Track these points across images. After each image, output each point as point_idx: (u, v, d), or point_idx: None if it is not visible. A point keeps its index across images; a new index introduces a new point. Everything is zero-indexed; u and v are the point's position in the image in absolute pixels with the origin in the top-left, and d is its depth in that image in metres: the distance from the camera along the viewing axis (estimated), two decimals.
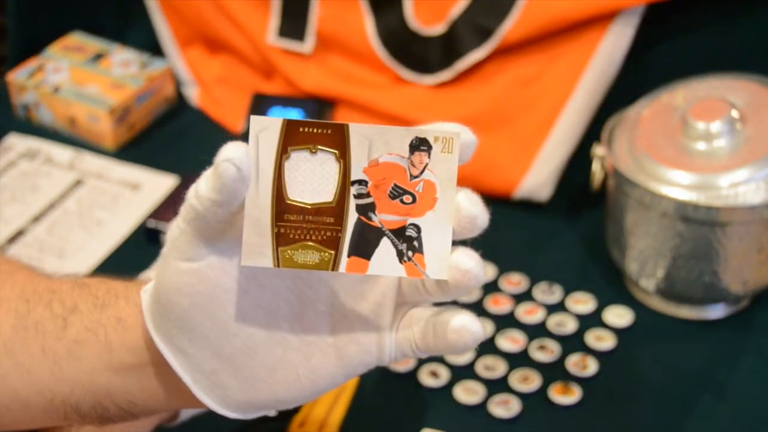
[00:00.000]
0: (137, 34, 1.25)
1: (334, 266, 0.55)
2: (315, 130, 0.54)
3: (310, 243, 0.55)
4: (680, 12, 1.04)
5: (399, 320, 0.59)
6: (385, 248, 0.55)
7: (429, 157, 0.54)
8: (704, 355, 0.91)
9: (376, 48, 1.11)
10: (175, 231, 0.58)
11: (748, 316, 0.95)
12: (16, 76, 1.19)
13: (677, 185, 0.89)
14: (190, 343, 0.58)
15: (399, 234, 0.55)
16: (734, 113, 0.90)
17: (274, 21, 1.15)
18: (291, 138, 0.54)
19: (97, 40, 1.24)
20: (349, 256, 0.55)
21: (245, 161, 0.53)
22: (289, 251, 0.55)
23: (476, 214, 0.55)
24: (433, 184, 0.55)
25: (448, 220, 0.55)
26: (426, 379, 0.89)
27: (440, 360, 0.91)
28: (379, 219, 0.55)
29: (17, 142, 1.17)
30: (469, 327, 0.57)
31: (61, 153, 1.15)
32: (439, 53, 1.09)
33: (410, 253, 0.55)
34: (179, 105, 1.22)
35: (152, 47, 1.22)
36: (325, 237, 0.55)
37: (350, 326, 0.59)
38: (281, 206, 0.55)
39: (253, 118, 0.54)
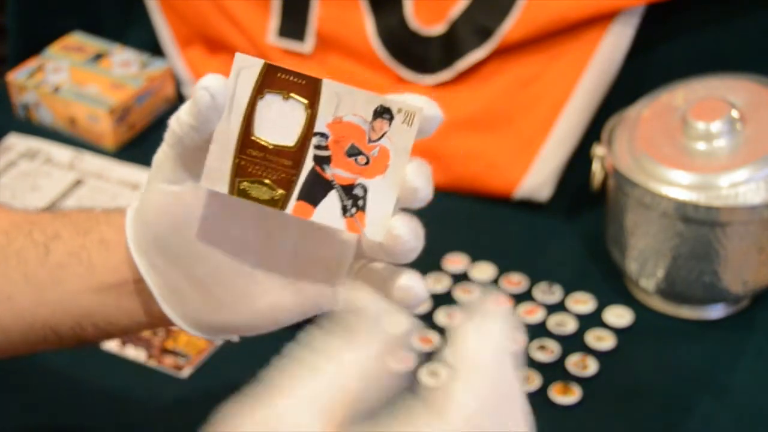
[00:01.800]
0: (137, 34, 1.25)
1: (282, 206, 0.58)
2: (292, 78, 0.58)
3: (266, 180, 0.58)
4: (680, 12, 1.04)
5: (356, 271, 0.63)
6: (332, 200, 0.58)
7: (389, 125, 0.57)
8: (704, 355, 0.91)
9: (376, 48, 1.11)
10: (159, 155, 0.62)
11: (748, 316, 0.95)
12: (16, 76, 1.19)
13: (677, 185, 0.89)
14: (163, 261, 0.63)
15: (347, 190, 0.58)
16: (734, 113, 0.90)
17: (274, 21, 1.15)
18: (268, 81, 0.58)
19: (97, 40, 1.24)
20: (297, 199, 0.58)
21: (221, 91, 0.58)
22: (245, 183, 0.58)
23: (419, 186, 0.58)
24: (388, 151, 0.58)
25: (395, 187, 0.58)
26: (426, 378, 0.89)
27: (440, 360, 0.91)
28: (332, 172, 0.58)
29: (17, 142, 1.17)
30: (413, 287, 0.61)
31: (61, 153, 1.15)
32: (439, 53, 1.09)
33: (353, 210, 0.58)
34: (179, 105, 1.22)
35: (152, 47, 1.22)
36: (280, 177, 0.58)
37: (311, 269, 0.63)
38: (246, 141, 0.58)
39: (238, 55, 0.58)
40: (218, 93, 0.58)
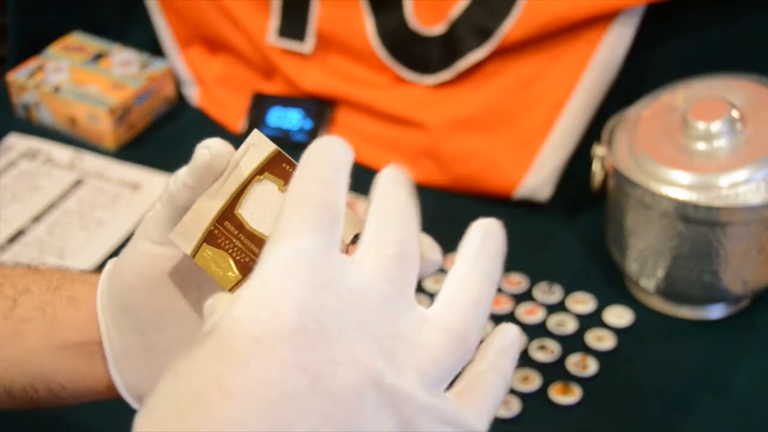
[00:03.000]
0: (137, 34, 1.25)
1: (231, 289, 0.57)
2: (293, 171, 0.55)
3: (230, 258, 0.57)
4: (680, 12, 1.04)
5: None
6: None
7: None
8: (704, 355, 0.91)
9: (376, 48, 1.11)
10: (150, 213, 0.61)
11: (748, 316, 0.95)
12: (17, 76, 1.19)
13: (677, 185, 0.89)
14: (126, 323, 0.62)
15: None
16: (734, 113, 0.90)
17: (274, 21, 1.15)
18: (272, 166, 0.57)
19: (97, 40, 1.24)
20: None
21: (221, 154, 0.57)
22: (209, 251, 0.57)
23: (435, 259, 0.56)
24: None
25: None
26: None
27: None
28: None
29: (17, 142, 1.17)
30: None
31: (61, 153, 1.15)
32: (439, 53, 1.09)
33: None
34: (179, 105, 1.22)
35: (152, 47, 1.23)
36: (243, 261, 0.57)
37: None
38: (228, 213, 0.57)
39: (255, 132, 0.57)
40: (218, 155, 0.57)
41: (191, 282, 0.61)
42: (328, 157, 0.48)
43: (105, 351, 0.63)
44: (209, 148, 0.57)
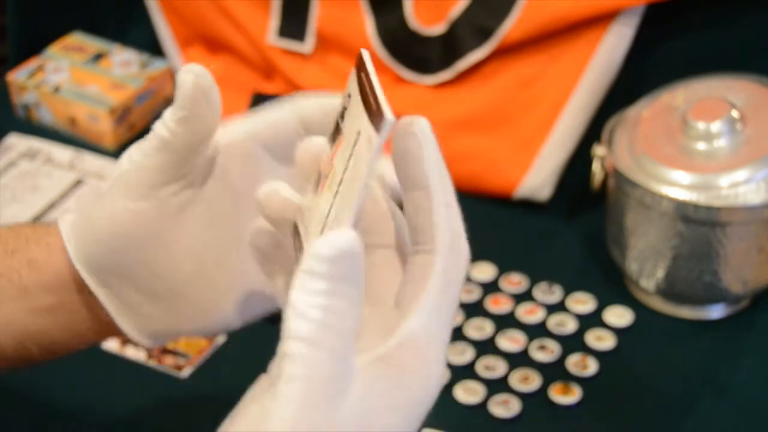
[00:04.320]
0: (137, 34, 1.25)
1: None
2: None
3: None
4: (680, 12, 1.04)
5: None
6: None
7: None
8: (704, 355, 0.91)
9: (376, 48, 1.11)
10: (124, 165, 0.59)
11: (748, 316, 0.95)
12: (16, 76, 1.19)
13: (677, 185, 0.89)
14: (118, 280, 0.60)
15: None
16: (734, 113, 0.90)
17: (274, 21, 1.15)
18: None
19: (97, 40, 1.24)
20: None
21: (203, 72, 0.56)
22: None
23: None
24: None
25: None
26: None
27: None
28: None
29: (17, 142, 1.17)
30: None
31: (61, 153, 1.15)
32: (439, 53, 1.09)
33: None
34: None
35: (152, 47, 1.22)
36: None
37: (273, 266, 0.59)
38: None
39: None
40: (201, 74, 0.57)
41: (182, 226, 0.60)
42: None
43: (106, 309, 0.61)
44: (190, 71, 0.56)
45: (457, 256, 0.50)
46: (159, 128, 0.58)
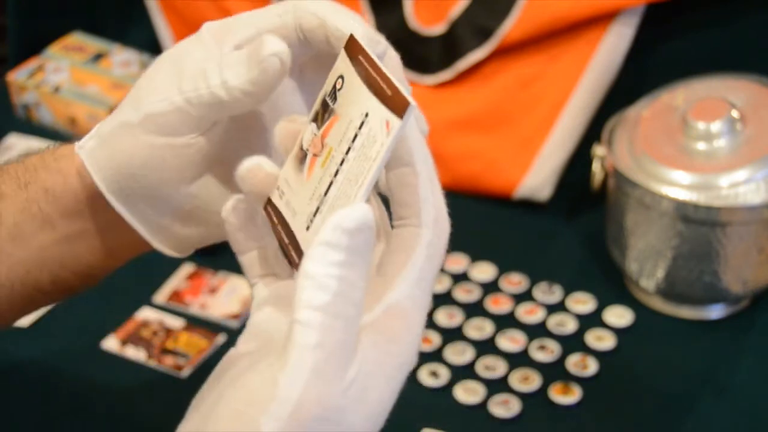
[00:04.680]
0: (137, 34, 1.25)
1: None
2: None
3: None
4: (680, 12, 1.04)
5: None
6: None
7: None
8: (704, 355, 0.91)
9: None
10: (160, 105, 0.60)
11: (748, 316, 0.95)
12: (17, 76, 1.19)
13: (677, 185, 0.89)
14: (148, 205, 0.62)
15: None
16: (734, 113, 0.90)
17: None
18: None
19: (97, 40, 1.24)
20: None
21: (287, 58, 0.56)
22: None
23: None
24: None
25: None
26: (426, 378, 0.89)
27: (440, 360, 0.91)
28: None
29: (17, 142, 1.17)
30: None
31: None
32: (439, 53, 1.09)
33: None
34: None
35: (152, 47, 1.22)
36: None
37: (245, 240, 0.60)
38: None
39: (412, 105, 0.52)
40: (287, 57, 0.57)
41: (213, 157, 0.61)
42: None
43: (138, 231, 0.62)
44: (278, 56, 0.56)
45: (440, 230, 0.53)
46: (217, 87, 0.58)
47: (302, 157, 0.54)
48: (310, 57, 0.61)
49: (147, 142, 0.60)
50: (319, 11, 0.58)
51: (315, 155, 0.54)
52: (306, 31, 0.59)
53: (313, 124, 0.54)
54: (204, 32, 0.62)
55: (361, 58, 0.53)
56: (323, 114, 0.54)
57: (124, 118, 0.61)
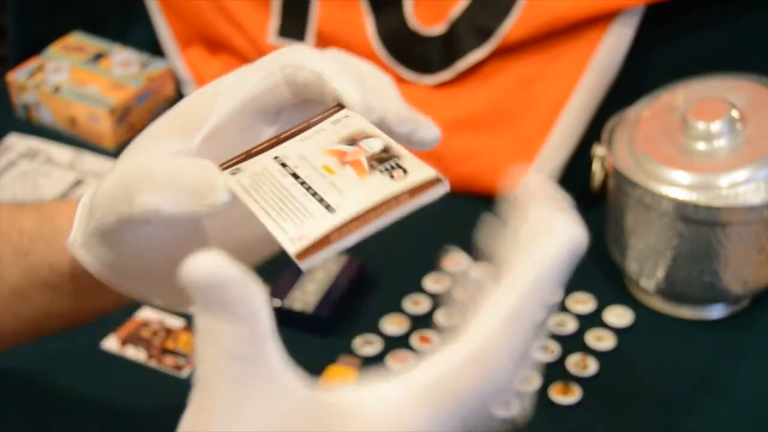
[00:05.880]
0: (137, 34, 1.25)
1: None
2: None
3: None
4: (680, 12, 1.04)
5: None
6: None
7: None
8: (704, 355, 0.91)
9: (376, 48, 1.11)
10: (107, 220, 0.58)
11: (748, 316, 0.95)
12: (16, 76, 1.19)
13: (677, 185, 0.89)
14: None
15: None
16: (734, 113, 0.90)
17: (274, 21, 1.15)
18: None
19: (97, 40, 1.24)
20: None
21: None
22: None
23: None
24: None
25: None
26: None
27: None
28: None
29: (17, 142, 1.17)
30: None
31: (61, 153, 1.15)
32: (439, 53, 1.09)
33: None
34: None
35: (152, 47, 1.23)
36: None
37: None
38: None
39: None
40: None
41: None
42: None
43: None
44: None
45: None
46: (147, 211, 0.56)
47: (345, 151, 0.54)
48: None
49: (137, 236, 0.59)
50: (316, 69, 0.57)
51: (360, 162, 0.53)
52: (300, 86, 0.58)
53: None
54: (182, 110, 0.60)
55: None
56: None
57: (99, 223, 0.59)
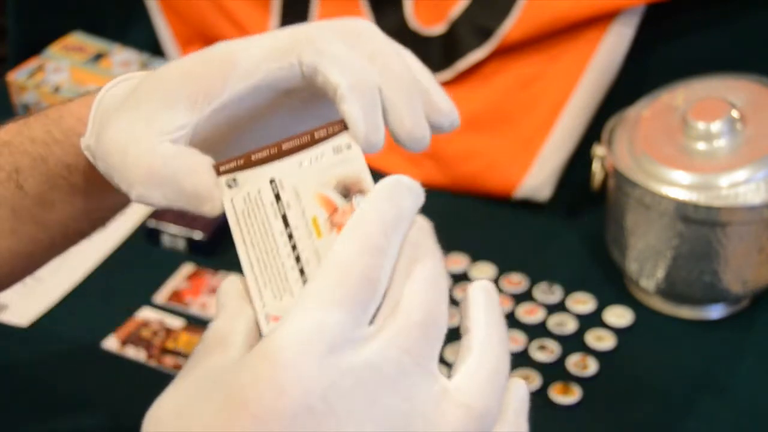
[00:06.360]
0: (137, 34, 1.25)
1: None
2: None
3: None
4: (680, 12, 1.04)
5: None
6: None
7: None
8: (704, 355, 0.91)
9: None
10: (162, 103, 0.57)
11: (748, 316, 0.95)
12: (17, 76, 1.19)
13: (677, 185, 0.89)
14: None
15: None
16: (734, 113, 0.90)
17: (274, 21, 1.15)
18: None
19: (97, 40, 1.24)
20: None
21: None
22: None
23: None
24: None
25: None
26: None
27: (440, 360, 0.91)
28: None
29: None
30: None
31: None
32: (439, 53, 1.09)
33: None
34: None
35: (152, 47, 1.23)
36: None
37: None
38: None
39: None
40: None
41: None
42: (388, 211, 0.46)
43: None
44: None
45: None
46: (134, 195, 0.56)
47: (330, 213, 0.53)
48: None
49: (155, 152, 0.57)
50: (332, 82, 0.56)
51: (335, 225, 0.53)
52: (316, 87, 0.57)
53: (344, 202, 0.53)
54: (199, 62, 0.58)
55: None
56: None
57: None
